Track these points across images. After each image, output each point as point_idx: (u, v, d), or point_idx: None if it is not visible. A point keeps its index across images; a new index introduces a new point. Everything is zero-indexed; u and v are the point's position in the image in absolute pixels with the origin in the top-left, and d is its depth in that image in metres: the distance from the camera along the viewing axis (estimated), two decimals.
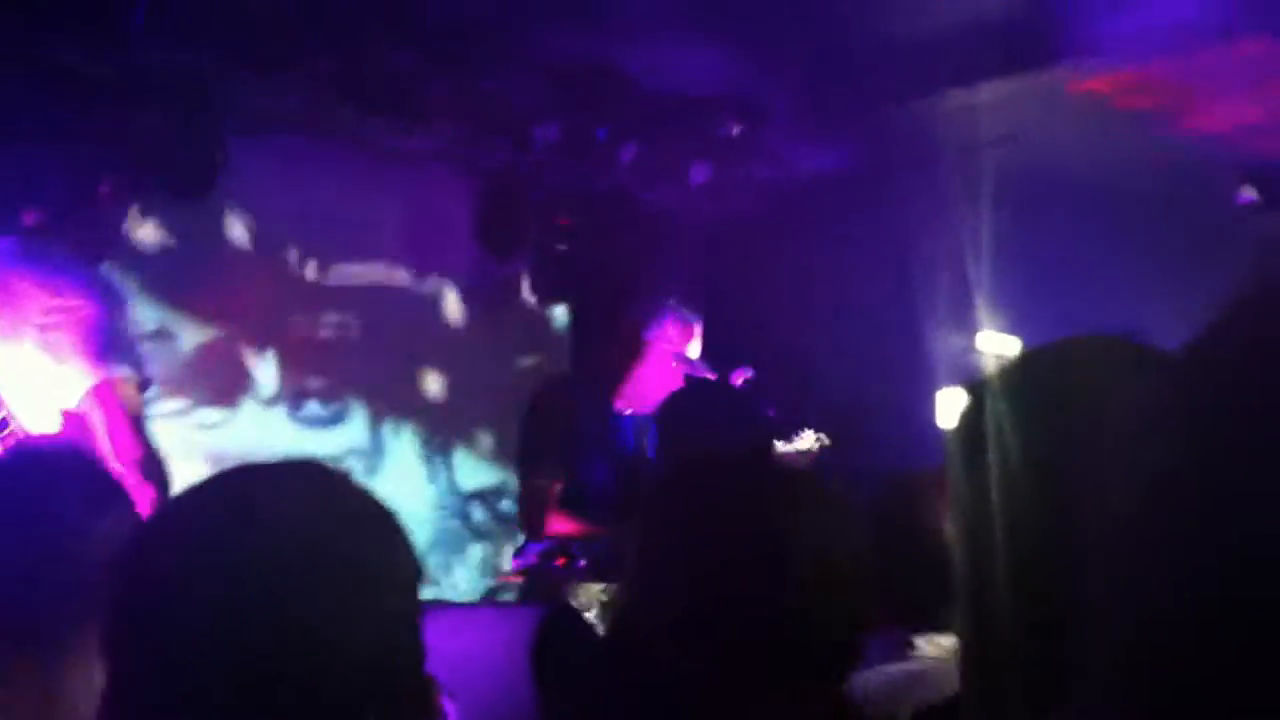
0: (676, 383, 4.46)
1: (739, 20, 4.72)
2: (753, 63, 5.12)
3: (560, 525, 4.44)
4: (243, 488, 1.19)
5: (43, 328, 3.00)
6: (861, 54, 5.01)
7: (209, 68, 4.53)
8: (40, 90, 4.20)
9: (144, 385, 3.17)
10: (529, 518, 4.53)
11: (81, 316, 3.02)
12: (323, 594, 1.10)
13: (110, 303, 3.11)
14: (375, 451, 5.95)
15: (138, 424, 3.06)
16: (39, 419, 2.99)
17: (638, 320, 4.63)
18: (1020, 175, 5.47)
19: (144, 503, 2.34)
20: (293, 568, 1.11)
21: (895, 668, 2.04)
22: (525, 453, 4.60)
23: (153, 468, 3.03)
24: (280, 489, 1.18)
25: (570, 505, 4.46)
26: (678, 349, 4.55)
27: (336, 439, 5.79)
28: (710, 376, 4.53)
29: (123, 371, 3.05)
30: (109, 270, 3.27)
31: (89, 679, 1.39)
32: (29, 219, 3.24)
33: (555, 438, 4.48)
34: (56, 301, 3.02)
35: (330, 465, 1.24)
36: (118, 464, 2.73)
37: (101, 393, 3.00)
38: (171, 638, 1.08)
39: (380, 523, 1.21)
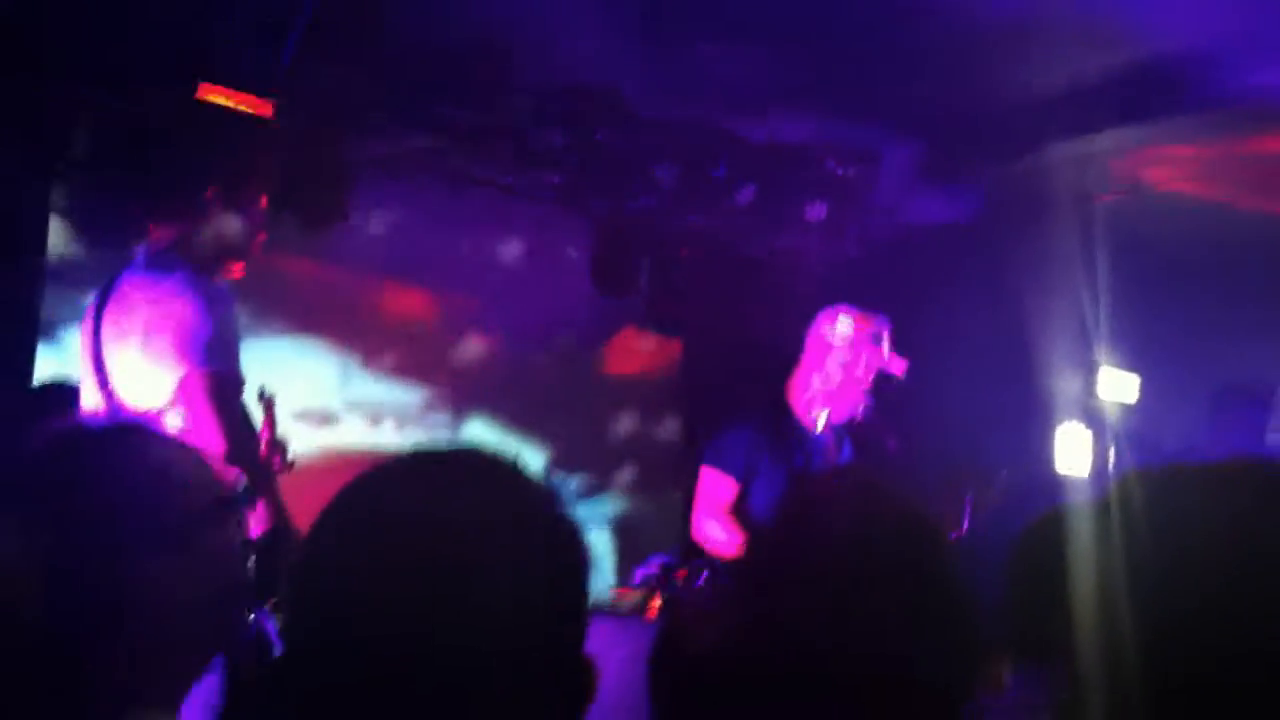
0: (862, 382, 4.31)
1: (855, 85, 4.70)
2: (869, 120, 5.11)
3: (712, 530, 4.30)
4: (422, 473, 1.22)
5: (145, 329, 3.13)
6: (977, 109, 4.98)
7: (341, 110, 4.68)
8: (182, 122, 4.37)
9: (235, 382, 3.23)
10: (696, 503, 4.38)
11: (176, 317, 3.14)
12: (500, 577, 1.12)
13: (206, 305, 3.18)
14: None
15: (225, 417, 3.13)
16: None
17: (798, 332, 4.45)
18: (1136, 222, 5.38)
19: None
20: (471, 551, 1.12)
21: None
22: (716, 446, 4.42)
23: (239, 459, 3.11)
24: (459, 474, 1.20)
25: (736, 514, 4.30)
26: (851, 347, 4.33)
27: None
28: (900, 366, 4.35)
29: (212, 367, 3.12)
30: (216, 281, 3.33)
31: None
32: (156, 234, 3.36)
33: (744, 445, 4.35)
34: (157, 303, 3.15)
35: (500, 454, 1.25)
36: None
37: (187, 386, 3.11)
38: (349, 616, 1.11)
39: (554, 507, 1.23)
